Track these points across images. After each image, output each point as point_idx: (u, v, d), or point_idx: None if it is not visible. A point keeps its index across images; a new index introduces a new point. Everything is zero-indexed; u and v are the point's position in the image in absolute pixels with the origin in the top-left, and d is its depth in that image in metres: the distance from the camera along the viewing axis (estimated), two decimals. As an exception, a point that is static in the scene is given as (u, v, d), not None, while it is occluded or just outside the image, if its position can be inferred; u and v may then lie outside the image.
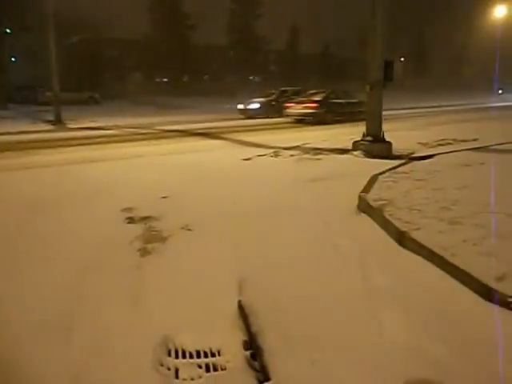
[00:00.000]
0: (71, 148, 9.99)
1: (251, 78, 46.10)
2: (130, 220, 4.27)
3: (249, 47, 43.00)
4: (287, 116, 17.35)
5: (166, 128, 14.71)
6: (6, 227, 4.11)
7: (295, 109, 16.88)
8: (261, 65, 45.73)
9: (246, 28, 44.01)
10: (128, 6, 37.24)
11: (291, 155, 8.16)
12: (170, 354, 2.22)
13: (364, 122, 8.26)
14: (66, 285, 2.92)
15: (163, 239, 3.74)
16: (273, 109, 19.23)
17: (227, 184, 5.86)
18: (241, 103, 20.12)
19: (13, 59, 28.83)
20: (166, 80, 41.68)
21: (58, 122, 16.50)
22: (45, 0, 15.93)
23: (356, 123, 11.93)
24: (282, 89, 21.14)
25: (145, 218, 4.30)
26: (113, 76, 37.74)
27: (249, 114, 19.25)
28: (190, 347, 2.27)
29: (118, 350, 2.23)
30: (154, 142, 11.21)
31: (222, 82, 42.96)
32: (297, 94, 20.32)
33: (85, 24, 28.85)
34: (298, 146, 9.12)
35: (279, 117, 17.89)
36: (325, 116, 15.85)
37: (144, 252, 3.46)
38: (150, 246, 3.59)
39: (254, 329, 2.31)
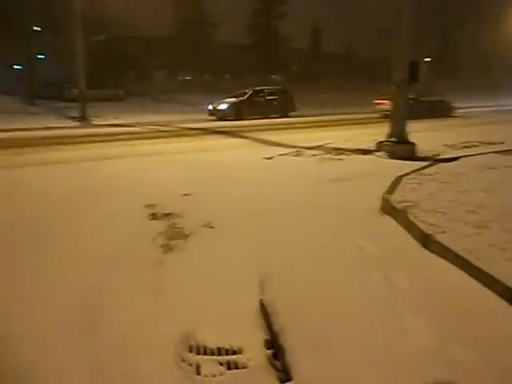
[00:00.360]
0: (95, 144, 10.17)
1: (273, 76, 45.96)
2: (153, 216, 4.32)
3: (271, 46, 42.89)
4: (378, 111, 17.79)
5: (187, 126, 14.81)
6: (34, 223, 4.20)
7: (387, 105, 17.69)
8: (283, 64, 45.52)
9: (269, 27, 43.89)
10: (153, 5, 37.58)
11: (313, 155, 8.12)
12: (191, 350, 2.23)
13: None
14: (91, 278, 2.97)
15: (185, 236, 3.77)
16: (246, 109, 18.14)
17: (249, 182, 5.87)
18: (211, 103, 18.65)
19: (42, 57, 29.47)
20: (188, 78, 41.94)
21: (83, 118, 16.79)
22: (71, 0, 16.26)
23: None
24: (257, 88, 19.88)
25: (167, 215, 4.35)
26: (137, 73, 38.18)
27: (219, 116, 17.86)
28: (212, 344, 2.28)
29: (140, 344, 2.26)
30: (175, 139, 11.31)
31: (243, 81, 43.01)
32: (272, 94, 19.67)
33: (111, 22, 29.30)
34: (320, 146, 9.06)
35: (253, 119, 17.35)
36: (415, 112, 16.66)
37: (167, 248, 3.49)
38: (172, 242, 3.62)
39: (275, 328, 2.31)
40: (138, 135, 12.29)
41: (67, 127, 14.47)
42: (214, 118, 18.00)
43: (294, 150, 8.69)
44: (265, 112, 18.82)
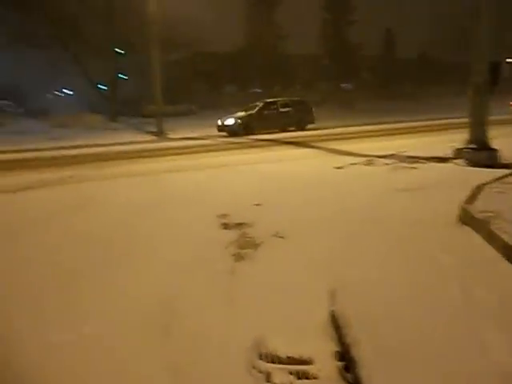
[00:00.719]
0: (171, 157, 10.68)
1: (344, 85, 45.39)
2: (225, 226, 4.44)
3: (342, 54, 42.45)
4: None
5: (256, 137, 15.07)
6: (111, 229, 4.50)
7: None
8: (354, 71, 44.86)
9: (339, 35, 43.54)
10: (225, 22, 38.98)
11: (386, 164, 7.88)
12: (261, 358, 2.26)
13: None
14: (167, 283, 3.12)
15: (256, 245, 3.82)
16: (255, 124, 17.06)
17: (319, 192, 5.83)
18: (220, 119, 17.68)
19: (125, 77, 31.74)
20: (259, 91, 42.73)
21: (160, 132, 17.75)
22: (150, 25, 17.41)
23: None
24: (268, 100, 18.61)
25: (239, 225, 4.44)
26: (209, 88, 39.68)
27: (228, 131, 16.99)
28: (281, 353, 2.28)
29: (213, 350, 2.32)
30: (246, 151, 11.56)
31: (313, 91, 42.94)
32: (286, 105, 18.35)
33: (186, 41, 30.83)
34: (394, 155, 8.77)
35: (267, 133, 16.38)
36: None
37: (238, 257, 3.57)
38: (243, 251, 3.69)
39: (347, 340, 2.26)
40: (210, 147, 12.74)
41: (145, 141, 15.38)
42: (224, 134, 17.03)
43: (365, 158, 8.49)
44: (278, 125, 17.69)
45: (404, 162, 7.97)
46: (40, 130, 21.52)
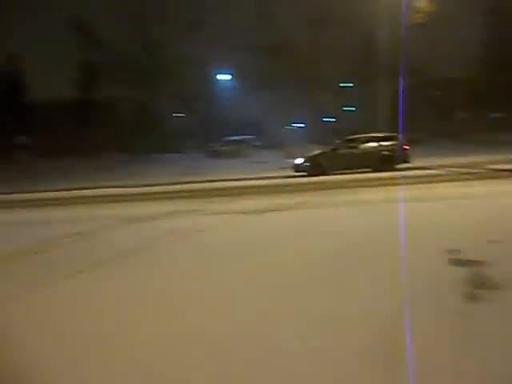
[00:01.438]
0: (394, 187, 10.53)
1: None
2: (455, 262, 4.10)
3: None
4: None
5: (493, 167, 13.49)
6: (336, 249, 4.71)
7: None
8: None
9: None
10: (449, 47, 36.58)
11: None
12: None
13: None
14: (391, 312, 3.09)
15: (492, 286, 3.40)
16: (327, 163, 15.28)
17: None
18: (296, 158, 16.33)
19: (352, 108, 33.30)
20: (499, 116, 38.01)
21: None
22: (378, 57, 17.80)
23: None
24: (349, 137, 16.36)
25: (471, 262, 4.04)
26: (439, 115, 37.52)
27: (299, 171, 15.64)
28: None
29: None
30: (485, 181, 10.44)
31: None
32: (370, 142, 15.49)
33: (415, 68, 30.22)
34: None
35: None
36: None
37: (470, 297, 3.24)
38: (476, 291, 3.34)
39: None
40: (443, 177, 11.98)
41: (369, 171, 15.52)
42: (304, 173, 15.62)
43: None
44: (356, 165, 15.25)
45: None
46: (273, 160, 24.11)
